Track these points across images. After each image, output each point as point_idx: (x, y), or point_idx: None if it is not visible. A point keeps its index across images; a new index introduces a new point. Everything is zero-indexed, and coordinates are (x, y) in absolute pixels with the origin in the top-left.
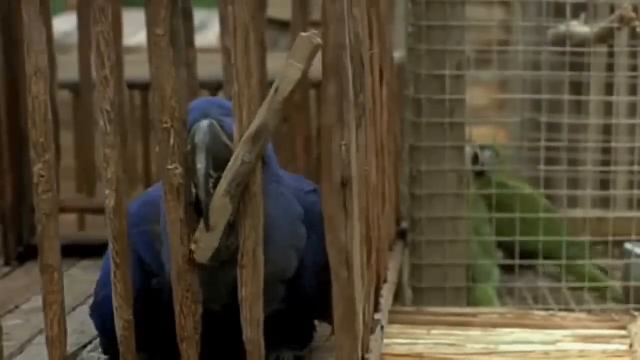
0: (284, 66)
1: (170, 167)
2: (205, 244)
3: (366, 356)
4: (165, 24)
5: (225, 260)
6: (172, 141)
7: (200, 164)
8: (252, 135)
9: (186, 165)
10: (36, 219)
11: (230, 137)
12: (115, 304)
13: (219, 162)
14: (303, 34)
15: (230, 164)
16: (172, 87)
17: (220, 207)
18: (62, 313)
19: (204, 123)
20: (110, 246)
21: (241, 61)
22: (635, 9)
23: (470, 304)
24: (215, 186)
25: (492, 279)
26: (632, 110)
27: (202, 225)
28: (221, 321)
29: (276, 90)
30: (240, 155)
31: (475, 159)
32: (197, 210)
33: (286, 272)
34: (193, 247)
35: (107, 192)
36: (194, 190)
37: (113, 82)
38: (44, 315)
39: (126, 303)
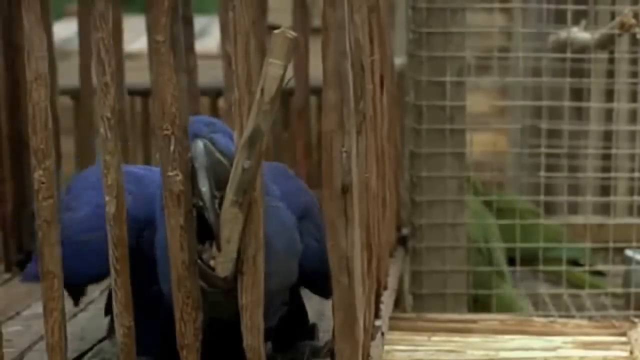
0: (265, 66)
1: (170, 173)
2: (224, 257)
3: None
4: (165, 30)
5: (229, 289)
6: (172, 147)
7: (204, 187)
8: (246, 141)
9: (186, 174)
10: (36, 225)
11: (223, 153)
12: (115, 310)
13: (218, 181)
14: (276, 31)
15: (231, 174)
16: (172, 93)
17: (231, 217)
18: (63, 319)
19: (199, 144)
20: (110, 253)
21: (241, 67)
22: (635, 15)
23: (497, 309)
24: (220, 205)
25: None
26: (632, 117)
27: (215, 245)
28: (221, 333)
29: (262, 92)
30: (239, 162)
31: None
32: (204, 230)
33: (290, 280)
34: (212, 263)
35: (107, 198)
36: (200, 203)
37: (113, 89)
38: (44, 322)
39: (126, 310)
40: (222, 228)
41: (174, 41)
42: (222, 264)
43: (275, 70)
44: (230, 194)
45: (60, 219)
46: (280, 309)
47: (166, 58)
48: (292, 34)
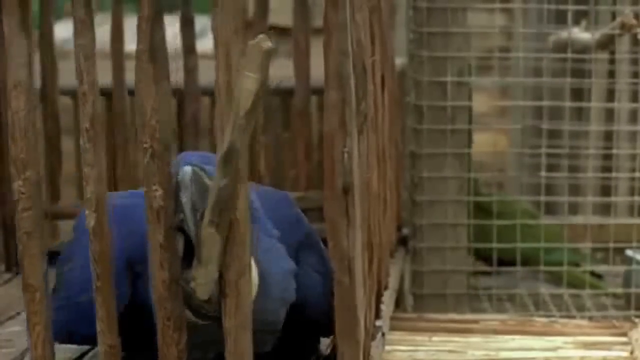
0: (239, 78)
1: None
2: (204, 279)
3: None
4: (146, 38)
5: (212, 317)
6: (149, 161)
7: (185, 198)
8: (222, 158)
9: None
10: (17, 237)
11: (211, 179)
12: (97, 328)
13: (204, 202)
14: (251, 42)
15: (210, 193)
16: (152, 106)
17: (209, 238)
18: (47, 333)
19: (187, 169)
20: (92, 267)
21: (222, 79)
22: (636, 16)
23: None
24: (202, 218)
25: None
26: (633, 117)
27: (196, 262)
28: None
29: (236, 106)
30: (216, 181)
31: None
32: (188, 248)
33: (275, 325)
34: (192, 284)
35: (87, 212)
36: (180, 216)
37: (92, 99)
38: (28, 336)
39: (109, 328)
40: (200, 248)
41: (155, 50)
42: (201, 286)
43: (250, 83)
44: (208, 213)
45: (62, 272)
46: (260, 348)
47: (146, 67)
48: (267, 44)
